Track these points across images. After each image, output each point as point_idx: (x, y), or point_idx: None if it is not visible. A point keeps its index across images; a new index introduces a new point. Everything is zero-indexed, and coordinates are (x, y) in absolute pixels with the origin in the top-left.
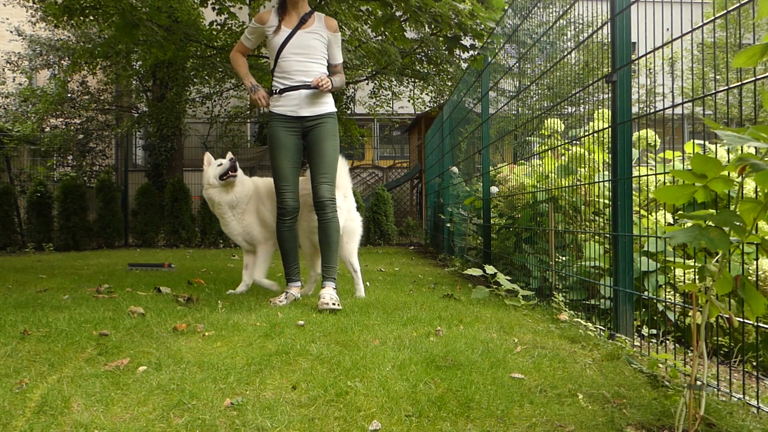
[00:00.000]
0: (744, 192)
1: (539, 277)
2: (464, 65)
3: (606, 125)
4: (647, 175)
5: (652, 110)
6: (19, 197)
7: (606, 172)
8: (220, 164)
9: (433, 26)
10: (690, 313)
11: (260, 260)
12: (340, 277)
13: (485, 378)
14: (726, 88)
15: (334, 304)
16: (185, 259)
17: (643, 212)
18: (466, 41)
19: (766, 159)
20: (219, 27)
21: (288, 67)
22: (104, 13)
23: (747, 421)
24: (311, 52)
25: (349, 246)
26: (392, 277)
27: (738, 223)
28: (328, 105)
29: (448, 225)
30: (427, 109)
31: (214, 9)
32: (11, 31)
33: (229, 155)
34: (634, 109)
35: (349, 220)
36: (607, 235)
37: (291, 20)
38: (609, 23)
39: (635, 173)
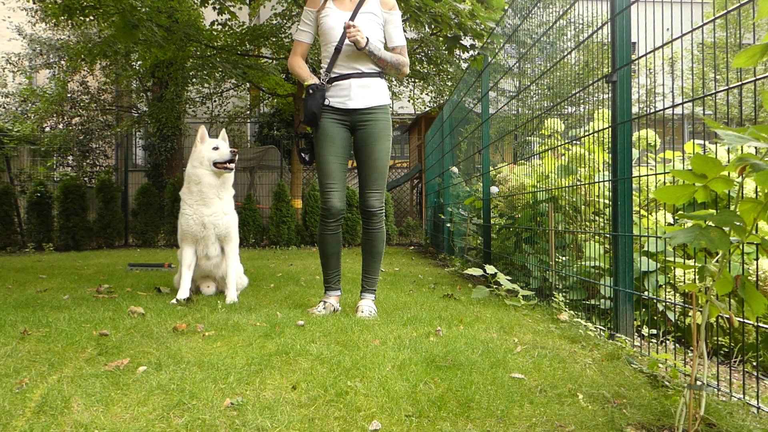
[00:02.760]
0: (744, 192)
1: (539, 277)
2: (464, 65)
3: (606, 125)
4: (647, 175)
5: (652, 110)
6: (19, 197)
7: (606, 172)
8: (216, 148)
9: (433, 26)
10: (690, 313)
11: (235, 269)
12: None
13: (485, 378)
14: (726, 88)
15: (371, 316)
16: None
17: (643, 212)
18: (466, 41)
19: (766, 159)
20: (219, 27)
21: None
22: (104, 13)
23: (747, 421)
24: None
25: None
26: (392, 277)
27: (738, 223)
28: (380, 96)
29: (448, 225)
30: (427, 109)
31: (214, 9)
32: (11, 29)
33: (223, 143)
34: (634, 109)
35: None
36: (607, 235)
37: (343, 1)
38: (609, 23)
39: (635, 173)
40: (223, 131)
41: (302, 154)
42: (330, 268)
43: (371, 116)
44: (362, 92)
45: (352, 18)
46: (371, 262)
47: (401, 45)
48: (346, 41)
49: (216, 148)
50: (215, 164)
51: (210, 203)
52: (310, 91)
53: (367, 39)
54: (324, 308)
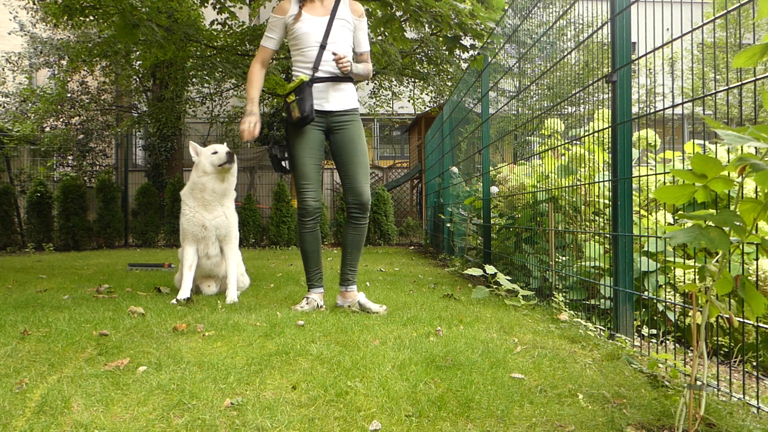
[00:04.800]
0: (744, 192)
1: (539, 277)
2: (464, 65)
3: (606, 125)
4: (647, 175)
5: (652, 110)
6: (19, 197)
7: (606, 172)
8: (215, 152)
9: (433, 26)
10: (690, 313)
11: (235, 268)
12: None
13: (485, 378)
14: (726, 88)
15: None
16: None
17: (643, 212)
18: (466, 41)
19: (766, 159)
20: (219, 26)
21: (312, 56)
22: (104, 13)
23: (747, 421)
24: (337, 41)
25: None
26: (392, 277)
27: (738, 223)
28: (352, 99)
29: (448, 225)
30: (427, 109)
31: (214, 8)
32: (12, 19)
33: (225, 148)
34: (634, 109)
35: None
36: (607, 235)
37: (314, 7)
38: (609, 23)
39: (635, 173)
40: (225, 146)
41: (282, 163)
42: (311, 266)
43: (347, 118)
44: (338, 95)
45: (330, 24)
46: (357, 255)
47: (367, 51)
48: (331, 46)
49: (215, 153)
50: (219, 165)
51: (212, 209)
52: (303, 89)
53: (351, 62)
54: (307, 304)
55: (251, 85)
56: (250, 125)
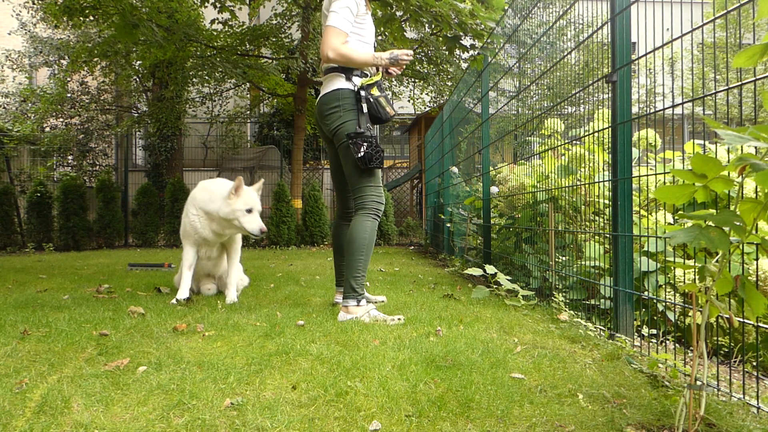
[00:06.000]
0: (744, 192)
1: (539, 277)
2: (464, 65)
3: (606, 125)
4: (647, 175)
5: (652, 110)
6: (19, 197)
7: (606, 172)
8: (250, 210)
9: (433, 26)
10: (690, 313)
11: (236, 269)
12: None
13: (485, 378)
14: (726, 88)
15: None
16: None
17: (643, 212)
18: (466, 41)
19: (766, 159)
20: (219, 26)
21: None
22: (104, 13)
23: (747, 421)
24: None
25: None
26: (392, 277)
27: (738, 223)
28: None
29: (448, 225)
30: (427, 109)
31: (215, 7)
32: (16, 16)
33: (256, 202)
34: (634, 109)
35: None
36: (607, 235)
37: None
38: (609, 23)
39: (635, 173)
40: (261, 182)
41: (382, 154)
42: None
43: None
44: None
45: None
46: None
47: None
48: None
49: (249, 211)
50: (248, 229)
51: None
52: (381, 86)
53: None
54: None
55: (359, 52)
56: (398, 53)
